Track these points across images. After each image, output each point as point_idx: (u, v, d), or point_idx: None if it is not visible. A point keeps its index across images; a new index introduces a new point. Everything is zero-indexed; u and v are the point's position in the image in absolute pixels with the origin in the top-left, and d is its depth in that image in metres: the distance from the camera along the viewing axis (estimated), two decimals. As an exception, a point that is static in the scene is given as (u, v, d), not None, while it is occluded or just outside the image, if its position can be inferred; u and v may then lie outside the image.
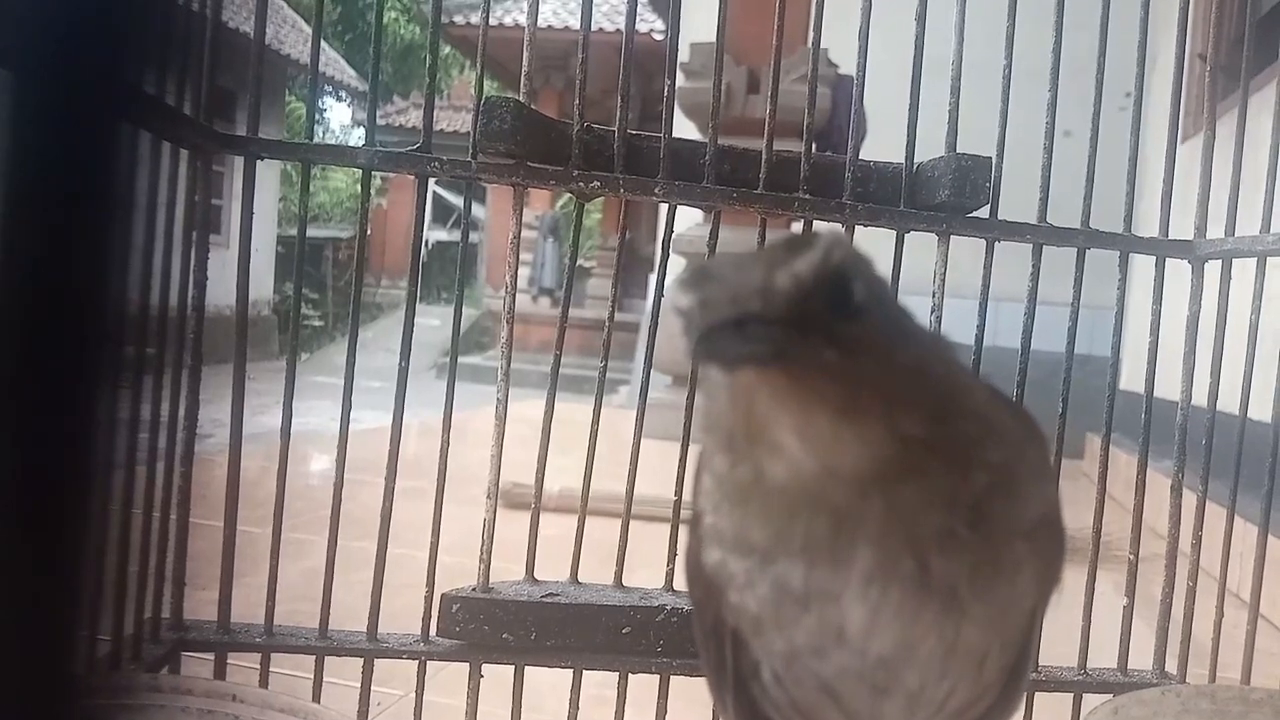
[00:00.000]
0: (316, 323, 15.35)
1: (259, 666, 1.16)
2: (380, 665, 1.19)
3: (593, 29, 1.21)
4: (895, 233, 1.23)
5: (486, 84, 1.20)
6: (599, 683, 1.21)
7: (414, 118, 16.45)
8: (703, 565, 0.59)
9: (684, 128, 3.45)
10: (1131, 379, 1.40)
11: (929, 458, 0.53)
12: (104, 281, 0.28)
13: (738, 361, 0.48)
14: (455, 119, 13.85)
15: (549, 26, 12.79)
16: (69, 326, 0.27)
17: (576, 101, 1.20)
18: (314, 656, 1.17)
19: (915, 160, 1.24)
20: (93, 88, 0.27)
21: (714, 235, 1.23)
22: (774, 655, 0.58)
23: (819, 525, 0.52)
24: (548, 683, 1.24)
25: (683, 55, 4.72)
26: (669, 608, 1.18)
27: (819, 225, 1.23)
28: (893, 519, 0.52)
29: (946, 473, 0.54)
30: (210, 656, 1.17)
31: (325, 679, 1.17)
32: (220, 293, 1.15)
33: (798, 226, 1.29)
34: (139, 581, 1.08)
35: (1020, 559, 0.56)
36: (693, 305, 0.49)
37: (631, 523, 1.21)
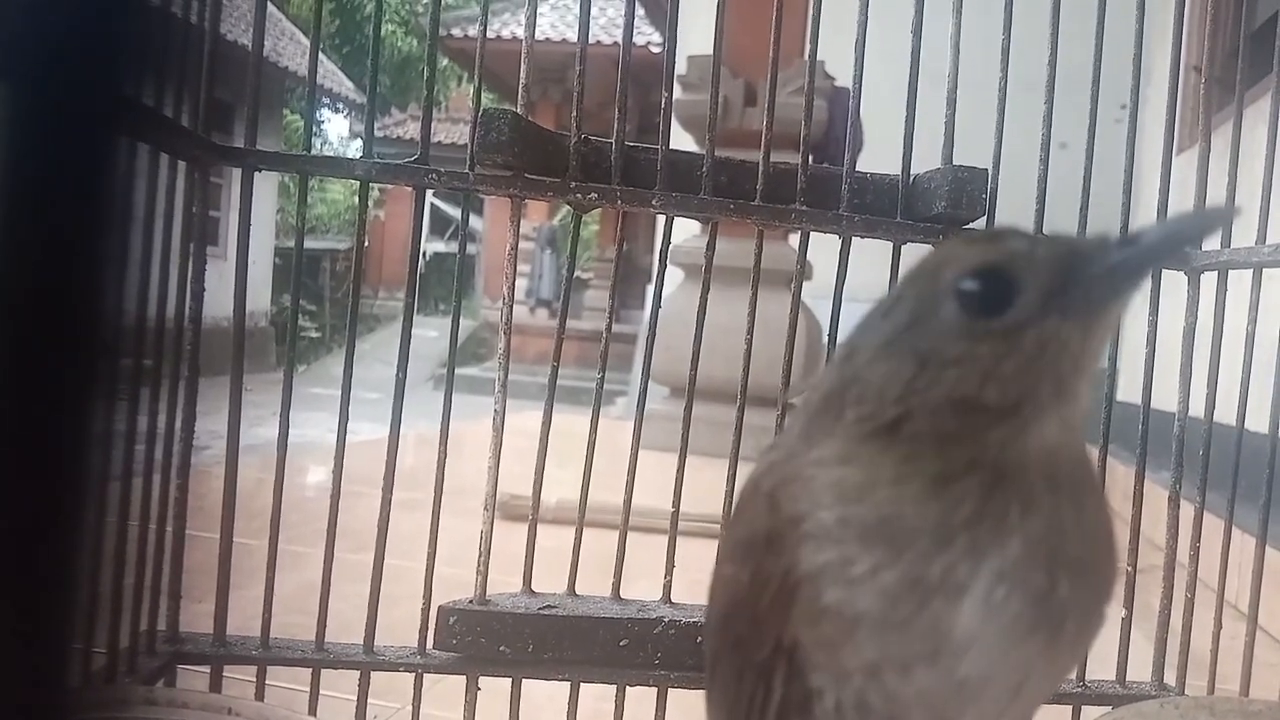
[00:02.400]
0: (314, 334, 15.36)
1: (255, 679, 1.16)
2: (377, 678, 1.19)
3: (590, 41, 1.21)
4: (892, 244, 1.23)
5: (484, 96, 1.21)
6: (597, 695, 1.21)
7: (412, 129, 16.50)
8: (777, 575, 0.57)
9: (681, 140, 3.46)
10: (1128, 390, 1.41)
11: (1089, 476, 0.56)
12: (101, 293, 0.28)
13: (1127, 289, 0.53)
14: (453, 131, 13.89)
15: (547, 39, 12.85)
16: (66, 338, 0.27)
17: (574, 113, 1.20)
18: (310, 669, 1.17)
19: (911, 172, 1.24)
20: (90, 100, 0.27)
21: (711, 246, 1.23)
22: (850, 673, 0.56)
23: (994, 505, 0.53)
24: (545, 695, 1.23)
25: (680, 68, 4.73)
26: (667, 620, 1.18)
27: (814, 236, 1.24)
28: (1053, 522, 0.54)
29: (1095, 503, 0.57)
30: (206, 669, 1.16)
31: (321, 691, 1.17)
32: (217, 304, 1.15)
33: (795, 238, 1.29)
34: (135, 594, 1.07)
35: (1102, 621, 0.59)
36: (1050, 250, 0.53)
37: (629, 534, 1.21)
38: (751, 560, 0.59)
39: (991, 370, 0.53)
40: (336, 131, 22.19)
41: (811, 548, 0.56)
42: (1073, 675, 1.26)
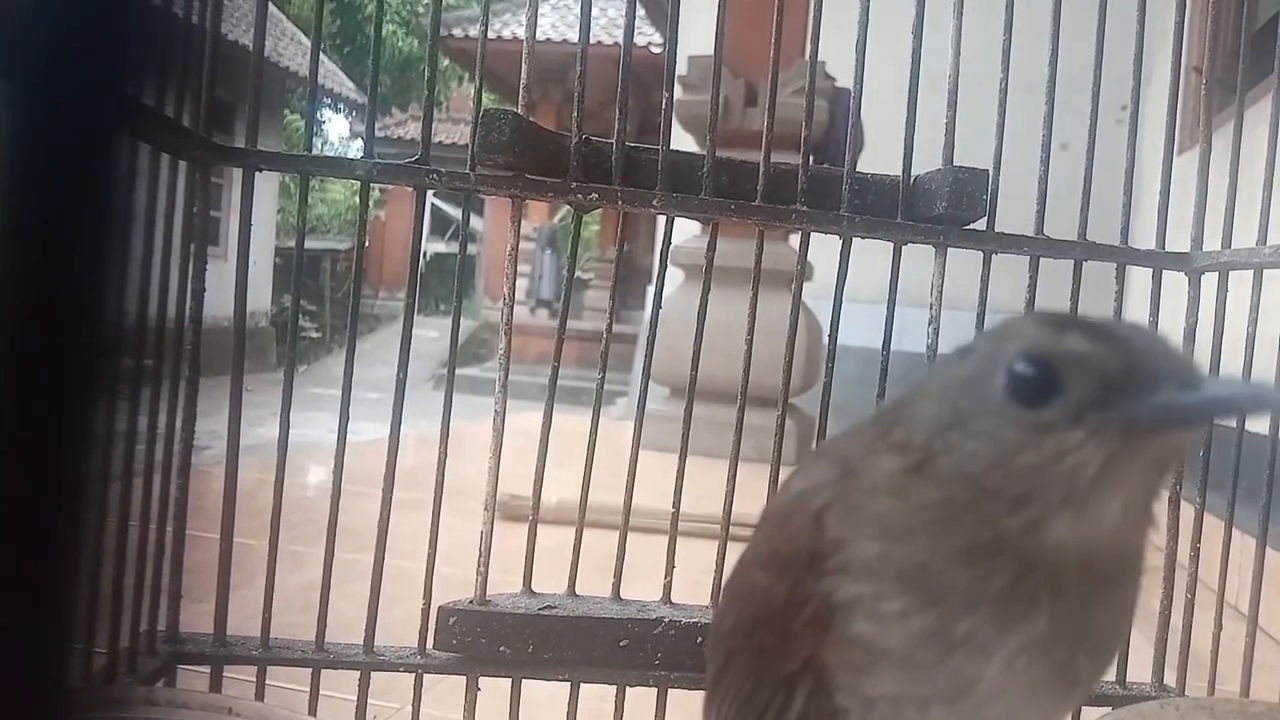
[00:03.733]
0: (314, 334, 15.36)
1: (255, 679, 1.16)
2: (377, 678, 1.19)
3: (591, 42, 1.21)
4: (892, 245, 1.23)
5: (485, 96, 1.21)
6: (597, 696, 1.21)
7: (412, 130, 16.51)
8: (817, 597, 0.57)
9: (682, 140, 3.46)
10: (1129, 391, 1.40)
11: (1132, 568, 0.56)
12: (102, 293, 0.28)
13: (1167, 431, 0.52)
14: (454, 131, 13.89)
15: (547, 39, 12.85)
16: (66, 338, 0.27)
17: (575, 114, 1.20)
18: (310, 669, 1.17)
19: (912, 173, 1.24)
20: (92, 99, 0.27)
21: (712, 247, 1.23)
22: (873, 700, 0.57)
23: (1024, 587, 0.53)
24: (545, 696, 1.23)
25: (681, 68, 4.73)
26: (667, 620, 1.18)
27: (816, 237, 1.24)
28: (1081, 609, 0.54)
29: (1131, 581, 0.57)
30: (206, 669, 1.16)
31: (321, 692, 1.17)
32: (218, 304, 1.15)
33: (795, 239, 1.29)
34: (135, 594, 1.08)
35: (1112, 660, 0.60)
36: (1108, 359, 0.51)
37: (629, 535, 1.21)
38: (790, 576, 0.59)
39: (1005, 458, 0.52)
40: (337, 132, 22.21)
41: (850, 576, 0.56)
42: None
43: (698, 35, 2.42)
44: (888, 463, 0.56)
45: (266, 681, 1.16)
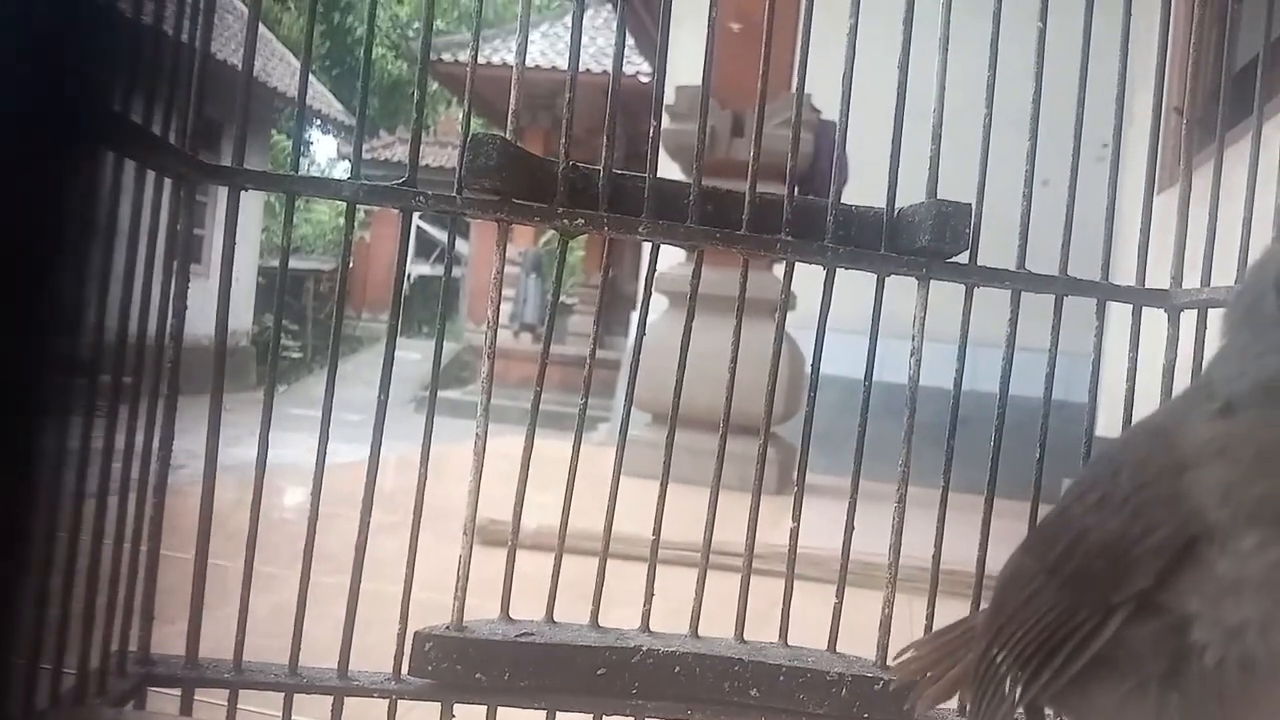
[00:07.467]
0: (295, 354, 15.31)
1: (226, 703, 1.14)
2: (350, 704, 1.17)
3: (580, 70, 1.22)
4: (876, 276, 1.24)
5: (473, 121, 1.21)
6: (573, 724, 1.20)
7: (400, 152, 16.56)
8: (1167, 525, 0.61)
9: (669, 169, 3.48)
10: (1108, 425, 1.41)
11: None
12: (83, 308, 0.27)
13: None
14: (441, 154, 13.95)
15: (537, 66, 12.93)
16: (44, 353, 0.27)
17: (562, 140, 1.21)
18: (283, 693, 1.15)
19: (896, 205, 1.25)
20: (76, 115, 0.27)
21: (696, 275, 1.23)
22: (1235, 629, 0.60)
23: None
24: (521, 723, 1.22)
25: (668, 98, 4.77)
26: (645, 649, 1.17)
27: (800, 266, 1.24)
28: None
29: None
30: (177, 692, 1.14)
31: (294, 716, 1.15)
32: (199, 322, 1.14)
33: (779, 268, 1.30)
34: (106, 614, 1.06)
35: None
36: None
37: (609, 561, 1.20)
38: (1143, 514, 0.62)
39: None
40: (324, 152, 22.22)
41: (1203, 515, 0.60)
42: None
43: (686, 65, 2.44)
44: (1205, 412, 0.61)
45: (238, 705, 1.14)
